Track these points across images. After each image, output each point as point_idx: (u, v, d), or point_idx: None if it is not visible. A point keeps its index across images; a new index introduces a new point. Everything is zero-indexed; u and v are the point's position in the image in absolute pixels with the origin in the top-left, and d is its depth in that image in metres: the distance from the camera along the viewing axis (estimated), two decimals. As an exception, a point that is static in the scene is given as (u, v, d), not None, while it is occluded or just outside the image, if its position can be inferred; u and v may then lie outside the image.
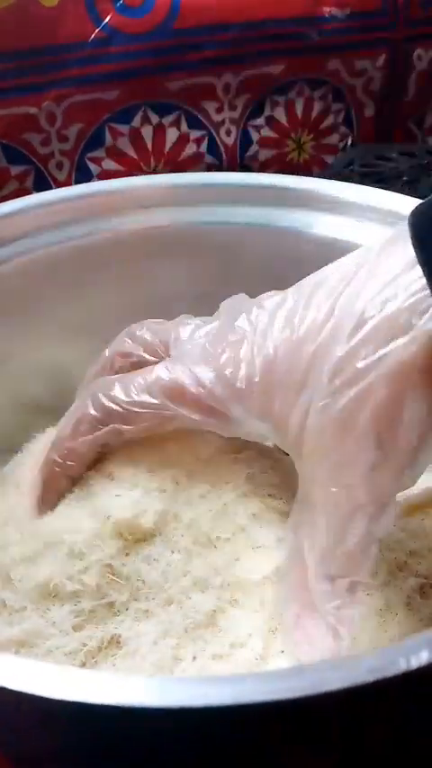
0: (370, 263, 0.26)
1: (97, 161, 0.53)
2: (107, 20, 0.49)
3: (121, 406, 0.29)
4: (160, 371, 0.29)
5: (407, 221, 0.25)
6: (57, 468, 0.31)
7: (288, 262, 0.40)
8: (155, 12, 0.50)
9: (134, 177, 0.48)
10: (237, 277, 0.41)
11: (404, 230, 0.25)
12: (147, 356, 0.31)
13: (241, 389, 0.28)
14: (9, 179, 0.51)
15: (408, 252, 0.25)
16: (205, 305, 0.43)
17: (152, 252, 0.42)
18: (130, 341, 0.32)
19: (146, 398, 0.29)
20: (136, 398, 0.29)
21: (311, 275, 0.29)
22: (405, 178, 0.49)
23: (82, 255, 0.41)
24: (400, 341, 0.24)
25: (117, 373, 0.32)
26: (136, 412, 0.29)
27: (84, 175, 0.53)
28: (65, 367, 0.42)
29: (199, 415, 0.28)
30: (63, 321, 0.42)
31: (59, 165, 0.52)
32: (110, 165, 0.53)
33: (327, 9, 0.54)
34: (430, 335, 0.24)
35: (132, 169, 0.53)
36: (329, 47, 0.55)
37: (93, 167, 0.53)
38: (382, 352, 0.24)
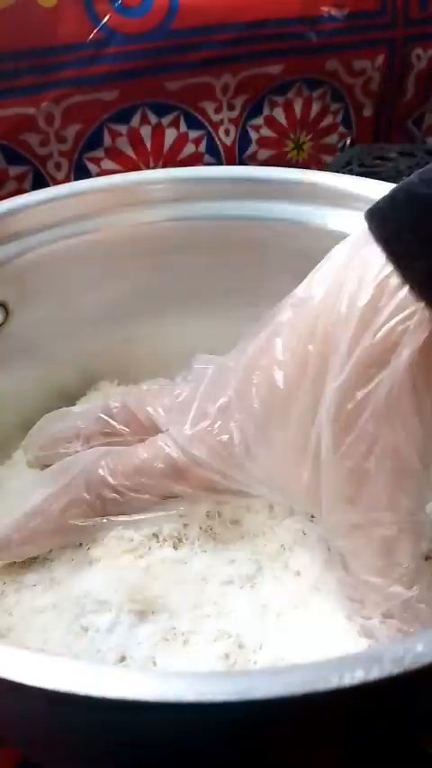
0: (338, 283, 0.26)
1: (96, 161, 0.53)
2: (105, 20, 0.49)
3: (118, 492, 0.28)
4: (154, 451, 0.29)
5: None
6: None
7: (304, 257, 0.40)
8: (153, 12, 0.50)
9: (152, 171, 0.48)
10: (260, 273, 0.42)
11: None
12: (126, 433, 0.31)
13: (241, 459, 0.27)
14: (7, 179, 0.51)
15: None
16: (230, 299, 0.43)
17: (172, 246, 0.42)
18: (107, 417, 0.32)
19: (145, 481, 0.28)
20: (131, 483, 0.28)
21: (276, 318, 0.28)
22: (404, 178, 0.49)
23: (105, 246, 0.41)
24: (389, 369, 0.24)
25: (88, 441, 0.31)
26: (134, 497, 0.28)
27: (82, 176, 0.52)
28: (89, 355, 0.43)
29: (201, 490, 0.28)
30: (88, 310, 0.42)
31: (58, 166, 0.52)
32: (108, 165, 0.53)
33: (325, 9, 0.54)
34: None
35: (131, 169, 0.53)
36: (328, 47, 0.55)
37: (91, 167, 0.53)
38: (374, 382, 0.24)
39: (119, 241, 0.42)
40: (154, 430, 0.30)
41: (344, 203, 0.40)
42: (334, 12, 0.54)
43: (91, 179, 0.42)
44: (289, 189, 0.41)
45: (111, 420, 0.32)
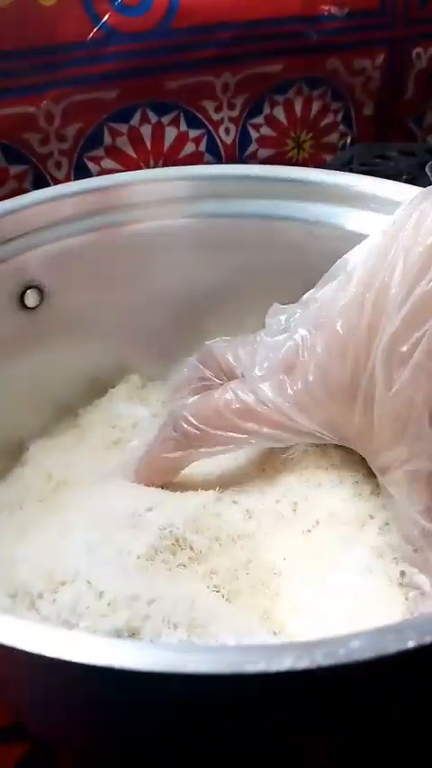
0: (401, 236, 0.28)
1: (96, 160, 0.53)
2: (105, 19, 0.49)
3: (197, 429, 0.32)
4: (227, 394, 0.32)
5: None
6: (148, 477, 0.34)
7: (307, 254, 0.40)
8: (153, 11, 0.50)
9: (154, 170, 0.48)
10: (260, 271, 0.42)
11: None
12: (215, 379, 0.35)
13: (301, 400, 0.30)
14: (8, 179, 0.51)
15: None
16: (226, 299, 0.43)
17: (172, 245, 0.42)
18: (201, 365, 0.35)
19: (221, 420, 0.32)
20: (209, 422, 0.32)
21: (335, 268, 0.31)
22: (404, 177, 0.49)
23: (102, 247, 0.41)
24: None
25: (194, 391, 0.35)
26: (210, 433, 0.31)
27: (82, 175, 0.52)
28: (124, 343, 0.43)
29: (268, 428, 0.31)
30: (122, 301, 0.42)
31: (58, 165, 0.52)
32: (109, 164, 0.53)
33: (325, 8, 0.54)
34: None
35: (131, 168, 0.53)
36: (328, 46, 0.55)
37: (92, 167, 0.53)
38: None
39: (158, 233, 0.42)
40: (233, 375, 0.34)
41: (355, 203, 0.40)
42: (334, 11, 0.54)
43: (136, 171, 0.42)
44: (302, 188, 0.41)
45: (201, 367, 0.35)
